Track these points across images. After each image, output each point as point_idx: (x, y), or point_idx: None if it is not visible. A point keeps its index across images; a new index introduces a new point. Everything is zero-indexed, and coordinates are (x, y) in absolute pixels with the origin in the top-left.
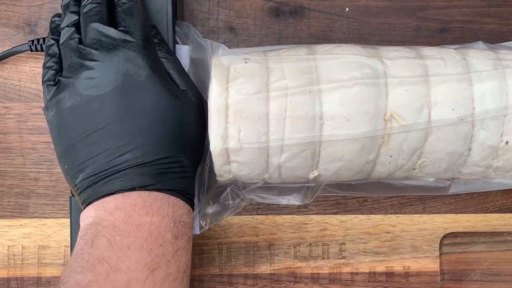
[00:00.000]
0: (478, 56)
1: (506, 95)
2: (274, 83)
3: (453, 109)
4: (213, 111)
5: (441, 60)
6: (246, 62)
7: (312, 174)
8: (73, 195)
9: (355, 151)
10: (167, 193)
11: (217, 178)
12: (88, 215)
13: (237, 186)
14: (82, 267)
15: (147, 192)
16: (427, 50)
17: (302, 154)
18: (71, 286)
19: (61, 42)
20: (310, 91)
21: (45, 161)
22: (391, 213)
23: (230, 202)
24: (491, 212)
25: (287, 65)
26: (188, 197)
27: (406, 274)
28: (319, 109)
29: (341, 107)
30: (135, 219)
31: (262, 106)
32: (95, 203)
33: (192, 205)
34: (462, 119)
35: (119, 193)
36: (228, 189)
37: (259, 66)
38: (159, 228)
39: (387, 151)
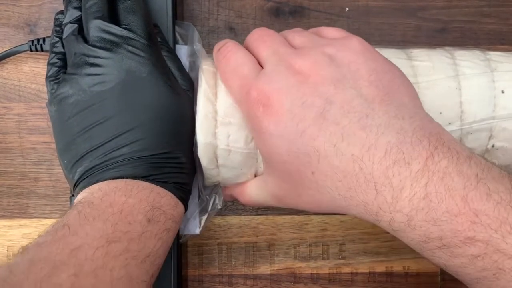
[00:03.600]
0: (468, 58)
1: (494, 98)
2: None
3: (441, 113)
4: (201, 115)
5: (429, 62)
6: None
7: None
8: (73, 195)
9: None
10: (157, 185)
11: (205, 181)
12: (77, 198)
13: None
14: (47, 231)
15: (133, 180)
16: (416, 53)
17: None
18: (30, 245)
19: (64, 38)
20: None
21: (45, 161)
22: None
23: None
24: None
25: None
26: (182, 191)
27: (406, 275)
28: None
29: None
30: (111, 197)
31: None
32: (84, 189)
33: (185, 201)
34: (450, 123)
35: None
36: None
37: None
38: (132, 208)
39: None
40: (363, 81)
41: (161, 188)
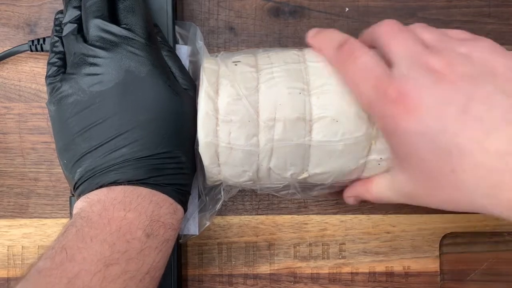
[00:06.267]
0: None
1: None
2: (263, 85)
3: None
4: (202, 114)
5: None
6: (236, 65)
7: (302, 175)
8: (73, 195)
9: (344, 153)
10: (157, 190)
11: (206, 180)
12: (76, 206)
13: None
14: (47, 254)
15: (131, 187)
16: None
17: (292, 156)
18: (31, 272)
19: (63, 38)
20: (300, 93)
21: (45, 161)
22: (391, 213)
23: (223, 196)
24: None
25: (277, 67)
26: (182, 194)
27: (406, 274)
28: (309, 112)
29: (330, 110)
30: (110, 213)
31: (252, 109)
32: (84, 195)
33: (184, 203)
34: None
35: (106, 186)
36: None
37: (249, 69)
38: (131, 224)
39: (376, 153)
40: (502, 77)
41: (160, 194)
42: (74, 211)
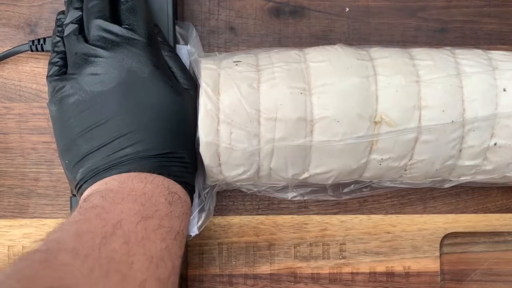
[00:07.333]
0: (469, 57)
1: (496, 96)
2: (264, 85)
3: (443, 111)
4: (202, 114)
5: (431, 61)
6: (236, 65)
7: (303, 176)
8: (73, 195)
9: (345, 154)
10: (166, 177)
11: (207, 179)
12: (85, 194)
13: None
14: (73, 216)
15: (143, 173)
16: (418, 52)
17: (292, 156)
18: (61, 226)
19: (65, 38)
20: (301, 93)
21: (45, 161)
22: (391, 213)
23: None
24: (491, 212)
25: (278, 67)
26: (188, 191)
27: (407, 274)
28: (310, 112)
29: (331, 110)
30: (129, 184)
31: (253, 109)
32: (92, 185)
33: (190, 197)
34: (452, 121)
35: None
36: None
37: (250, 69)
38: (153, 192)
39: (377, 153)
40: None
41: (170, 180)
42: (84, 197)
